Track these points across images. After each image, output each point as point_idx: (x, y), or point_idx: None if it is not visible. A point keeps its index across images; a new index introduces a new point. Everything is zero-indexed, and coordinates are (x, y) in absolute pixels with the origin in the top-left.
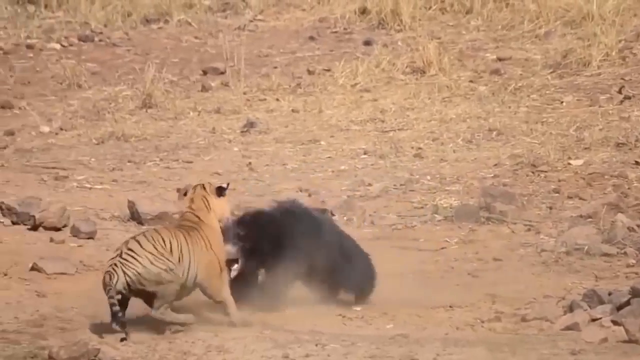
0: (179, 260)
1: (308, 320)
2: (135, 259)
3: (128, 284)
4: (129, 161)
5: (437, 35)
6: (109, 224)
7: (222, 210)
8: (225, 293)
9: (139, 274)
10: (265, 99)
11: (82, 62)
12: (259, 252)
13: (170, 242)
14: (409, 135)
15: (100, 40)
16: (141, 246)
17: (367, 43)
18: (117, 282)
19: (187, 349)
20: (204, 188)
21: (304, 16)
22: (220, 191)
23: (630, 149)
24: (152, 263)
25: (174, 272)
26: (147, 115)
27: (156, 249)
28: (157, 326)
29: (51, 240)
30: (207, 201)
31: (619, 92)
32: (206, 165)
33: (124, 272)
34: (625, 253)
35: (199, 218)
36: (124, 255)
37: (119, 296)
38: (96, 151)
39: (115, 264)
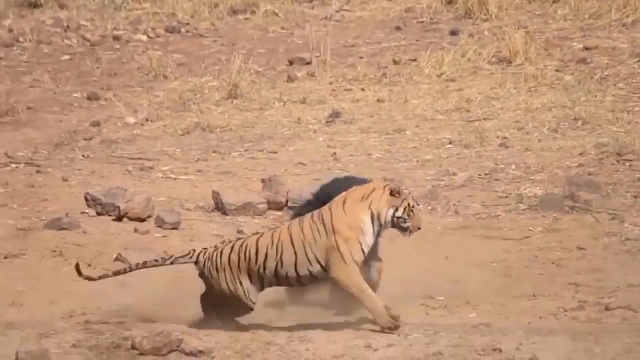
0: None
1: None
2: None
3: None
4: (214, 152)
5: (523, 25)
6: (193, 215)
7: None
8: None
9: None
10: (350, 89)
11: (168, 53)
12: None
13: None
14: (494, 124)
15: (186, 31)
16: None
17: (453, 33)
18: None
19: (270, 339)
20: None
21: (390, 6)
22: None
23: None
24: None
25: None
26: (233, 105)
27: None
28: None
29: (135, 230)
30: None
31: None
32: (291, 156)
33: None
34: None
35: None
36: None
37: None
38: (181, 142)
39: None
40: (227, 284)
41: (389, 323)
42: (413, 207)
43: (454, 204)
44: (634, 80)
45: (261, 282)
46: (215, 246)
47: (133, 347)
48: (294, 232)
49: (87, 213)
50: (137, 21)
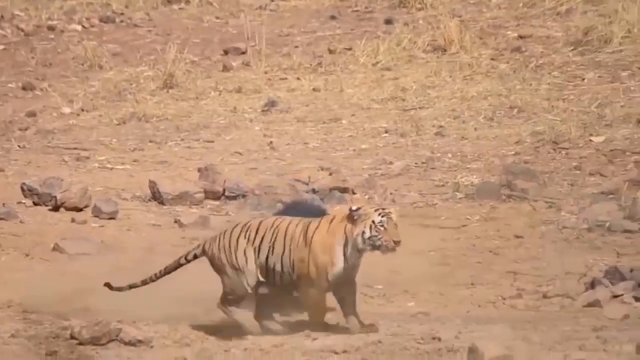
0: None
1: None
2: None
3: None
4: (150, 141)
5: (458, 14)
6: (130, 204)
7: None
8: None
9: None
10: (286, 78)
11: (103, 43)
12: None
13: None
14: (430, 113)
15: (121, 21)
16: None
17: (388, 22)
18: None
19: (208, 328)
20: None
21: None
22: None
23: None
24: None
25: None
26: (169, 95)
27: None
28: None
29: (72, 220)
30: None
31: None
32: (227, 145)
33: None
34: None
35: None
36: None
37: None
38: (117, 132)
39: None
40: (227, 262)
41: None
42: (380, 222)
43: (390, 193)
44: (568, 69)
45: (260, 268)
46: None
47: (72, 337)
48: (290, 226)
49: (24, 203)
50: (72, 11)
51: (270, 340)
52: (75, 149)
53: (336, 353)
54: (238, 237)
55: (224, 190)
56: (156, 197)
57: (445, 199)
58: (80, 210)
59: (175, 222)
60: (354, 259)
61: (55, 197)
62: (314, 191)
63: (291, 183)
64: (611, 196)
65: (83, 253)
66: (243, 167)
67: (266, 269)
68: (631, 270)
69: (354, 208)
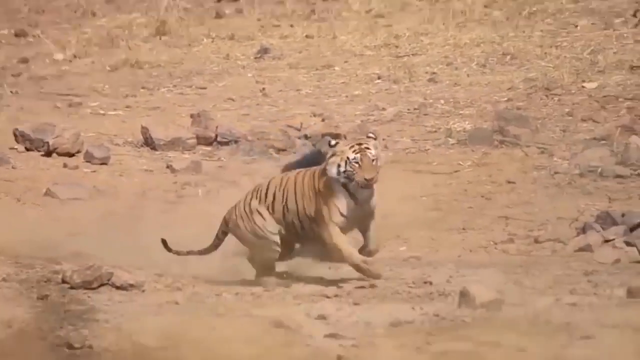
0: None
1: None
2: None
3: None
4: (143, 87)
5: None
6: (122, 150)
7: None
8: None
9: None
10: (279, 25)
11: None
12: None
13: None
14: (422, 60)
15: None
16: None
17: None
18: None
19: (200, 273)
20: None
21: None
22: None
23: None
24: None
25: None
26: (161, 42)
27: None
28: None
29: (65, 166)
30: None
31: (634, 15)
32: (220, 91)
33: None
34: (638, 174)
35: None
36: None
37: None
38: (110, 78)
39: None
40: (248, 230)
41: (368, 272)
42: (354, 159)
43: (383, 139)
44: (561, 16)
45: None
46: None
47: (64, 281)
48: (297, 182)
49: (16, 149)
50: None
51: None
52: (67, 95)
53: (328, 297)
54: (250, 201)
55: (216, 136)
56: (148, 142)
57: (437, 144)
58: (72, 155)
59: (168, 167)
60: (356, 191)
61: (47, 142)
62: (306, 137)
63: (283, 129)
64: (603, 142)
65: (75, 198)
66: (235, 113)
67: (286, 226)
68: (622, 215)
69: (332, 143)
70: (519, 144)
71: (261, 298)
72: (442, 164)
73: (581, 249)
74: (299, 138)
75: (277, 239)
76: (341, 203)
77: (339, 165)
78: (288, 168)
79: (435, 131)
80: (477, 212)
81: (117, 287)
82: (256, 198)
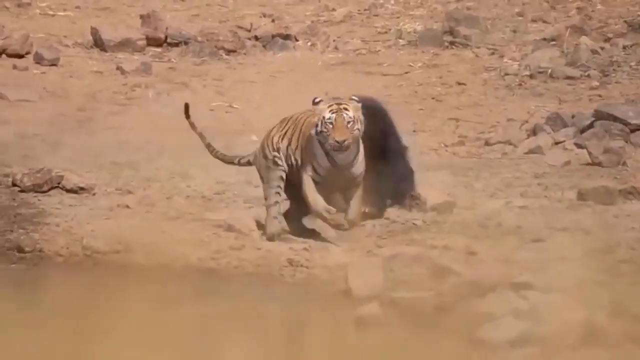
0: None
1: None
2: None
3: None
4: None
5: None
6: (72, 51)
7: None
8: None
9: None
10: None
11: None
12: None
13: None
14: None
15: None
16: None
17: None
18: None
19: (151, 175)
20: None
21: None
22: None
23: None
24: None
25: None
26: None
27: None
28: None
29: (14, 67)
30: None
31: None
32: None
33: None
34: (588, 75)
35: None
36: None
37: None
38: None
39: None
40: (265, 157)
41: (330, 222)
42: (329, 119)
43: (333, 40)
44: None
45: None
46: None
47: (14, 184)
48: (306, 122)
49: None
50: None
51: (212, 188)
52: None
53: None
54: (272, 130)
55: (166, 37)
56: (98, 44)
57: (388, 46)
58: (21, 57)
59: (117, 69)
60: (334, 154)
61: None
62: (256, 38)
63: (233, 30)
64: (553, 42)
65: (25, 100)
66: (185, 14)
67: (285, 159)
68: (572, 117)
69: (316, 100)
70: (469, 44)
71: (212, 201)
72: (392, 65)
73: (531, 151)
74: (249, 39)
75: (280, 161)
76: (316, 162)
77: (316, 126)
78: None
79: (386, 32)
80: (428, 114)
81: (68, 190)
82: (278, 128)
